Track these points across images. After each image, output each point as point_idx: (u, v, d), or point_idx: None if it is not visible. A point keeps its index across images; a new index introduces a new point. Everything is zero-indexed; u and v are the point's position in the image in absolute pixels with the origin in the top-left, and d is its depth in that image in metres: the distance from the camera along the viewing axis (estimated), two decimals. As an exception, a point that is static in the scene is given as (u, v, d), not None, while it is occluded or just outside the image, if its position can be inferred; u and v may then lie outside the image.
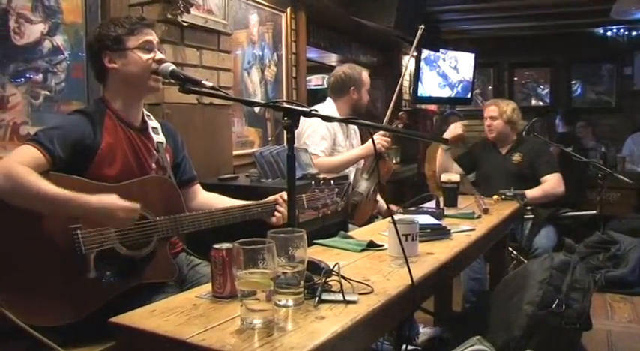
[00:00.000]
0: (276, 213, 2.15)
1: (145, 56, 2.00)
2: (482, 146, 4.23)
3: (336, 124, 3.46)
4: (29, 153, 1.76)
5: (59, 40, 2.62)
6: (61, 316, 1.72)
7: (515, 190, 3.42)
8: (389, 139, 3.36)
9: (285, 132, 1.63)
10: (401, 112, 3.53)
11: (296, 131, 1.64)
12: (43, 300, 1.71)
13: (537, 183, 3.79)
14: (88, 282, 1.77)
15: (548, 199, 3.79)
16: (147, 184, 1.98)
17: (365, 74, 3.64)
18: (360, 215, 3.26)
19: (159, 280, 1.96)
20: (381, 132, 3.33)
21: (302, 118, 1.63)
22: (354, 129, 3.73)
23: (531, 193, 3.68)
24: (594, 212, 4.40)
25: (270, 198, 2.18)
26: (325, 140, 3.35)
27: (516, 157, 3.96)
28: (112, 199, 1.77)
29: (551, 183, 3.80)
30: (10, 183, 1.66)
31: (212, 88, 1.82)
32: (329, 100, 3.62)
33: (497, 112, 4.01)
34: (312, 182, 2.27)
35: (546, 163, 3.90)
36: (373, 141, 1.78)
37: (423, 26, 3.57)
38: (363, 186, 3.26)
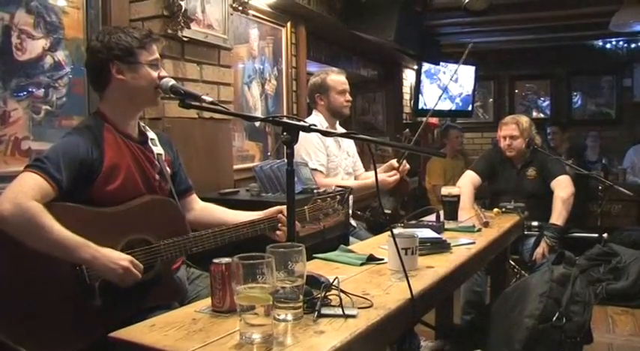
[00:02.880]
0: (278, 232, 2.12)
1: (154, 73, 2.00)
2: (499, 157, 4.13)
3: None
4: (36, 183, 1.71)
5: (60, 55, 2.65)
6: (65, 345, 1.72)
7: (525, 208, 3.40)
8: (396, 178, 3.30)
9: (285, 146, 1.64)
10: (406, 130, 3.57)
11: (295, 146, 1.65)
12: (47, 329, 1.70)
13: (550, 200, 3.79)
14: (93, 310, 1.76)
15: (570, 205, 3.77)
16: (150, 206, 1.97)
17: (332, 77, 3.52)
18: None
19: (164, 303, 1.93)
20: (387, 171, 3.34)
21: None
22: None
23: (556, 216, 3.71)
24: (604, 236, 4.36)
25: (271, 211, 2.15)
26: (321, 152, 3.34)
27: (531, 172, 3.95)
28: (115, 255, 1.74)
29: (561, 186, 3.79)
30: (22, 221, 1.64)
31: (212, 103, 1.83)
32: (313, 112, 3.60)
33: (519, 131, 3.92)
34: (314, 190, 2.26)
35: (554, 166, 3.91)
36: (376, 172, 1.76)
37: (471, 44, 3.55)
38: (389, 205, 3.29)
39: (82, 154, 1.85)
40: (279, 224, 2.12)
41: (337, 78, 3.53)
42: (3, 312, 1.65)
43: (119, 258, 1.74)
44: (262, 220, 2.11)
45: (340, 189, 2.41)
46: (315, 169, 3.22)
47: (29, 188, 1.70)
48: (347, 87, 3.54)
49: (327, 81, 3.50)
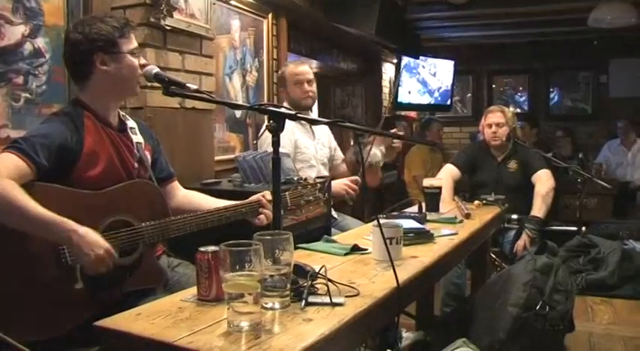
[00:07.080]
0: (260, 216, 2.15)
1: (136, 61, 1.99)
2: (479, 151, 4.19)
3: (295, 128, 3.36)
4: (12, 163, 1.69)
5: (40, 42, 2.60)
6: (47, 329, 1.69)
7: (505, 200, 3.43)
8: (353, 190, 3.19)
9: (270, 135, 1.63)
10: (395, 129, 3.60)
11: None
12: (28, 313, 1.67)
13: (531, 193, 3.84)
14: (75, 293, 1.73)
15: (550, 198, 3.86)
16: (131, 189, 1.96)
17: (289, 68, 3.46)
18: (371, 177, 3.42)
19: (146, 287, 1.93)
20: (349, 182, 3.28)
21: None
22: (322, 126, 3.57)
23: (536, 210, 3.79)
24: (583, 229, 4.41)
25: (253, 198, 2.17)
26: (284, 148, 3.28)
27: (512, 165, 4.00)
28: (96, 236, 1.71)
29: (542, 181, 3.88)
30: None
31: (196, 91, 1.81)
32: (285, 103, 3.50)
33: (504, 119, 3.98)
34: (295, 178, 2.28)
35: (537, 161, 3.98)
36: (363, 170, 1.76)
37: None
38: (379, 155, 3.29)
39: (61, 139, 1.82)
40: (260, 208, 2.14)
41: (294, 69, 3.44)
42: None
43: (95, 244, 1.69)
44: (244, 204, 2.13)
45: (321, 178, 2.41)
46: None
47: (4, 167, 1.67)
48: (304, 77, 3.40)
49: (284, 73, 3.46)
